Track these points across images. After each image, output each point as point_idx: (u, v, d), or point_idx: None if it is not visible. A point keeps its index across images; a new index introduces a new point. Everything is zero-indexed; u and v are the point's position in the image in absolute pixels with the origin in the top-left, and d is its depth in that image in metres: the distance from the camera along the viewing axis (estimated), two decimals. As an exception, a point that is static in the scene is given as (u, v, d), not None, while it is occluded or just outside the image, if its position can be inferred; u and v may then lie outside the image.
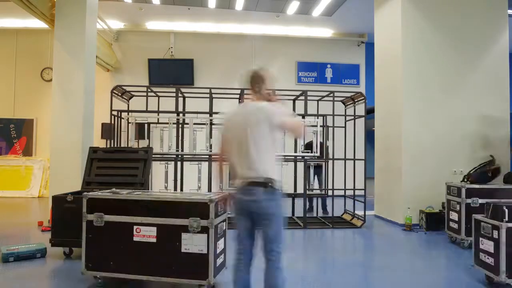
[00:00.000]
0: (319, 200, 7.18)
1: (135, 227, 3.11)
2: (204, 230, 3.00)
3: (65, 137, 6.02)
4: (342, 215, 6.80)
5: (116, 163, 4.46)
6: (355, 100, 6.50)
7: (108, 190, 3.48)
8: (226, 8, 8.68)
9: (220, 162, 2.68)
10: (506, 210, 3.24)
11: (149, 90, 6.20)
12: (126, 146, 6.13)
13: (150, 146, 5.18)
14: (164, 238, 3.07)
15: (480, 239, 3.48)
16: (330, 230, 5.85)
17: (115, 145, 5.97)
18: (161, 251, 3.08)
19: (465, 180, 5.22)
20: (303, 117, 6.09)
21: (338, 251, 4.78)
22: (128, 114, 6.05)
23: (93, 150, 4.62)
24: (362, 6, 8.33)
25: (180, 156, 6.01)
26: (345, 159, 6.49)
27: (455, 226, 4.84)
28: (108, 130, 8.54)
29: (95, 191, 3.50)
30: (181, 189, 5.98)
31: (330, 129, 6.66)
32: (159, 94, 6.74)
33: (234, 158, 2.48)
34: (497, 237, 3.26)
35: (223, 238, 3.29)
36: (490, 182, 5.09)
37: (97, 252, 3.19)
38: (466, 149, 6.27)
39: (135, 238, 3.10)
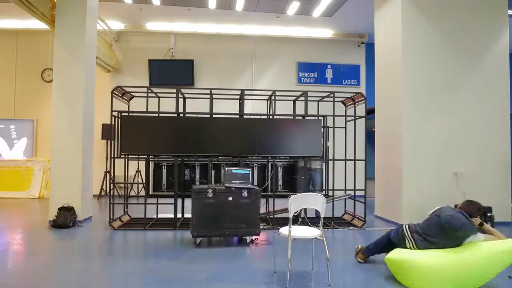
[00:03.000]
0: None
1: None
2: None
3: (66, 138, 6.03)
4: (342, 215, 6.81)
5: None
6: (356, 101, 6.50)
7: None
8: (226, 8, 8.69)
9: None
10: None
11: (149, 91, 6.21)
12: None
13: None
14: None
15: None
16: (330, 230, 5.85)
17: (115, 146, 5.95)
18: None
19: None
20: (303, 117, 6.10)
21: (339, 252, 4.77)
22: (128, 115, 6.05)
23: None
24: (362, 7, 8.34)
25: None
26: (345, 160, 6.49)
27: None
28: (108, 131, 8.56)
29: None
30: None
31: (331, 130, 6.66)
32: (159, 95, 6.74)
33: None
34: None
35: None
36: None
37: None
38: (466, 149, 6.28)
39: None
